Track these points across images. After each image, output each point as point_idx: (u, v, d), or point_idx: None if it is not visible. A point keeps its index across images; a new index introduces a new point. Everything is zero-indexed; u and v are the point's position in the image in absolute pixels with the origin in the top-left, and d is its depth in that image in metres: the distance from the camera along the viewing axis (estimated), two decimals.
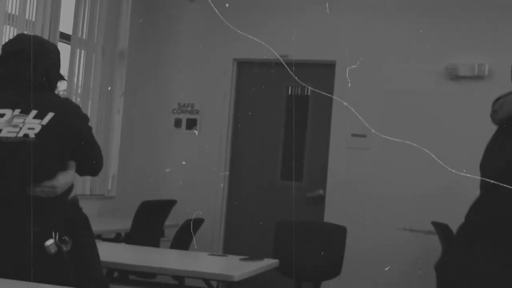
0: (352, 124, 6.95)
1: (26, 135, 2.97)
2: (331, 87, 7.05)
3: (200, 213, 6.28)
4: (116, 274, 4.90)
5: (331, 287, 6.03)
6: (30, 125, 3.01)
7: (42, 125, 3.02)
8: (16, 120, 3.01)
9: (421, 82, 6.71)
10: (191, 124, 7.51)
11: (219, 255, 5.43)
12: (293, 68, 6.52)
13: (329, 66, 7.10)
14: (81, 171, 3.32)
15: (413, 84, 6.77)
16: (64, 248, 3.02)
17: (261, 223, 7.02)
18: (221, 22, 6.45)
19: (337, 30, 7.09)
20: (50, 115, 3.06)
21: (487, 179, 2.72)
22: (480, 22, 6.64)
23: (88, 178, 7.04)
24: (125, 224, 6.04)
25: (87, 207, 7.05)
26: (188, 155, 7.53)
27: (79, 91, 6.89)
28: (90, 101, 7.03)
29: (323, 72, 7.20)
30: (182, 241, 5.72)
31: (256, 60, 7.39)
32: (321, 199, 7.06)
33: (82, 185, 6.97)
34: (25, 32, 6.02)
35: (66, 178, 3.12)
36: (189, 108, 7.52)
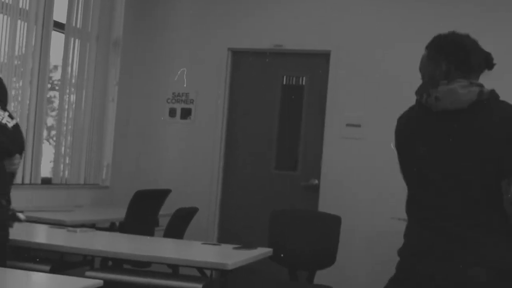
0: (346, 114, 6.95)
1: None
2: (325, 76, 7.05)
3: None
4: (110, 263, 4.91)
5: (325, 276, 6.03)
6: None
7: None
8: None
9: (417, 71, 6.69)
10: (186, 113, 7.50)
11: (213, 244, 5.44)
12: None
13: (324, 56, 7.09)
14: None
15: (409, 72, 6.75)
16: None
17: (255, 212, 7.04)
18: (216, 11, 6.54)
19: (332, 19, 7.08)
20: None
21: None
22: (477, 7, 6.62)
23: (82, 167, 7.04)
24: (119, 214, 6.04)
25: (82, 197, 7.09)
26: (182, 144, 7.52)
27: (73, 80, 6.88)
28: (84, 90, 7.02)
29: (318, 62, 7.19)
30: (176, 230, 5.72)
31: (251, 50, 7.39)
32: (315, 189, 7.07)
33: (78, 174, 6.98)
34: (19, 21, 6.02)
35: None
36: (183, 98, 7.51)
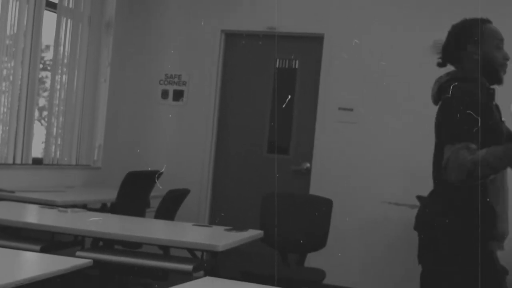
0: (339, 97, 6.94)
1: None
2: (319, 60, 7.04)
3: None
4: (101, 243, 4.90)
5: (316, 259, 6.04)
6: None
7: None
8: None
9: (409, 55, 6.69)
10: (178, 95, 7.48)
11: (204, 226, 5.44)
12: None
13: (317, 39, 7.07)
14: None
15: (400, 57, 6.75)
16: None
17: (247, 195, 7.04)
18: None
19: (326, 2, 7.06)
20: None
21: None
22: None
23: (74, 148, 7.03)
24: (110, 195, 6.03)
25: (73, 177, 7.08)
26: (174, 126, 7.51)
27: (65, 60, 6.85)
28: (76, 70, 6.99)
29: (311, 45, 7.18)
30: (167, 211, 5.72)
31: (244, 32, 7.36)
32: (307, 172, 7.07)
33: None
34: (11, 1, 5.98)
35: None
36: (176, 79, 7.49)
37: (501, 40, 3.32)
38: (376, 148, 6.83)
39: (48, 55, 6.97)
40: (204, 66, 7.41)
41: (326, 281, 5.45)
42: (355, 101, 6.92)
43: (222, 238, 4.35)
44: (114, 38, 7.43)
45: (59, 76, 6.79)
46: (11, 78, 6.12)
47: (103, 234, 4.46)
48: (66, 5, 6.77)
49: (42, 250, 4.47)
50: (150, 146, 7.53)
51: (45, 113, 6.95)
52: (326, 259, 6.26)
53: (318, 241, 5.64)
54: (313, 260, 6.00)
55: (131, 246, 4.96)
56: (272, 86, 7.31)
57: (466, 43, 3.29)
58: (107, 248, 4.79)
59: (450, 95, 3.14)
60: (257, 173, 7.24)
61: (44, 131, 6.80)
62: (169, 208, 5.79)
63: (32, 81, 6.37)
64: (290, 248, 5.73)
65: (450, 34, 3.41)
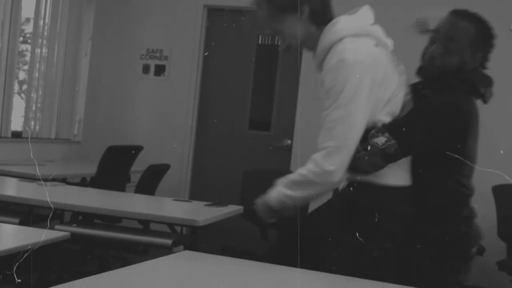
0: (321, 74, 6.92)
1: None
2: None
3: None
4: (80, 217, 4.89)
5: None
6: None
7: None
8: None
9: (389, 33, 6.67)
10: (160, 70, 7.44)
11: (184, 201, 5.43)
12: None
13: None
14: None
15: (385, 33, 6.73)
16: None
17: (227, 171, 7.03)
18: None
19: None
20: None
21: None
22: None
23: (54, 122, 6.98)
24: (90, 169, 6.00)
25: (53, 151, 7.03)
26: (155, 101, 7.47)
27: (46, 34, 6.78)
28: (56, 44, 6.93)
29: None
30: (147, 186, 5.70)
31: (227, 7, 7.32)
32: (288, 149, 7.07)
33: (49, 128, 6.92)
34: None
35: None
36: (157, 54, 7.45)
37: None
38: None
39: (28, 28, 6.90)
40: (186, 41, 7.36)
41: None
42: None
43: (202, 213, 4.35)
44: (95, 11, 7.37)
45: (39, 49, 6.73)
46: None
47: (83, 208, 4.43)
48: None
49: (20, 223, 4.45)
50: (130, 121, 7.49)
51: (25, 86, 6.90)
52: None
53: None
54: None
55: (111, 221, 4.94)
56: (254, 62, 7.28)
57: None
58: (87, 222, 4.78)
59: None
60: (238, 149, 7.23)
61: (24, 105, 6.74)
62: (150, 183, 5.77)
63: (11, 53, 6.31)
64: (270, 224, 5.73)
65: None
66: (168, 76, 7.42)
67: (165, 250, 4.18)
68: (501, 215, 5.72)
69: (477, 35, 2.90)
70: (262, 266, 2.72)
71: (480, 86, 2.89)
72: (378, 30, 2.91)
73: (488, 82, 2.94)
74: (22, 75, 6.99)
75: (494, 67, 3.04)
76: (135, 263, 2.52)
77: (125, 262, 4.94)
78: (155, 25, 7.49)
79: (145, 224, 4.94)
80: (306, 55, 7.24)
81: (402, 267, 2.83)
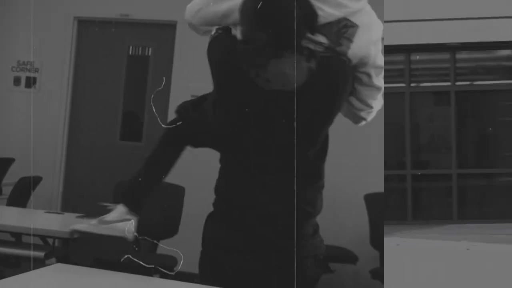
0: (192, 85, 7.06)
1: None
2: (172, 47, 7.13)
3: None
4: None
5: (169, 245, 6.15)
6: None
7: None
8: None
9: None
10: (31, 82, 7.40)
11: (56, 213, 5.46)
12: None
13: (170, 26, 7.16)
14: None
15: None
16: None
17: (99, 182, 7.06)
18: None
19: None
20: None
21: None
22: None
23: None
24: None
25: None
26: (27, 113, 7.42)
27: None
28: None
29: (164, 32, 7.25)
30: (19, 199, 5.69)
31: (97, 19, 7.36)
32: None
33: None
34: None
35: None
36: (28, 66, 7.41)
37: None
38: None
39: None
40: (57, 52, 7.35)
41: (178, 268, 5.58)
42: (207, 89, 7.04)
43: (74, 225, 4.40)
44: None
45: None
46: None
47: None
48: None
49: None
50: (1, 133, 7.41)
51: None
52: (179, 245, 6.39)
53: (170, 228, 5.78)
54: (166, 245, 6.12)
55: None
56: (125, 73, 7.34)
57: None
58: None
59: None
60: (110, 160, 7.27)
61: None
62: (21, 195, 5.76)
63: None
64: (144, 233, 5.82)
65: None
66: (39, 88, 7.39)
67: (37, 263, 4.22)
68: (373, 224, 5.74)
69: None
70: (134, 277, 2.84)
71: None
72: None
73: None
74: None
75: None
76: (8, 276, 2.55)
77: None
78: (26, 37, 7.44)
79: (17, 236, 4.95)
80: (177, 65, 7.35)
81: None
